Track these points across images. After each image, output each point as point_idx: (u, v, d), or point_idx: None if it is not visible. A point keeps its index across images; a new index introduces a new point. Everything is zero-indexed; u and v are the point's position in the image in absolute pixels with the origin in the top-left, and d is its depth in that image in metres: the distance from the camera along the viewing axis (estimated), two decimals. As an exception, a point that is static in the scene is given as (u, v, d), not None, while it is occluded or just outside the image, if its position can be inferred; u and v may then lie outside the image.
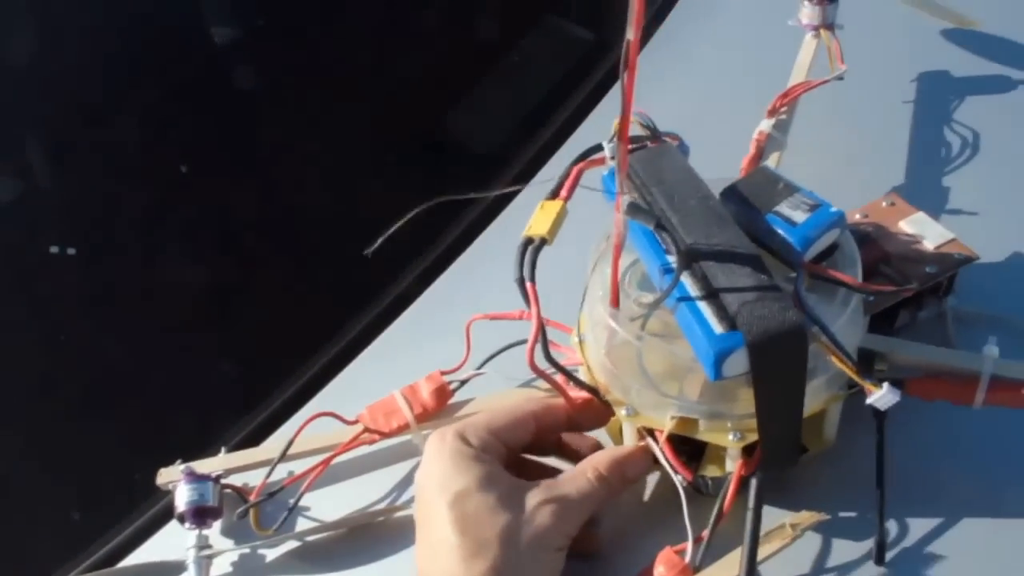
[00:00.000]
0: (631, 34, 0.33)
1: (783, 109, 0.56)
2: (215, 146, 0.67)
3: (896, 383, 0.41)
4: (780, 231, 0.42)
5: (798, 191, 0.43)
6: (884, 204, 0.52)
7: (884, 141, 0.62)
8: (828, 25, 0.62)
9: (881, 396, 0.38)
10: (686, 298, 0.39)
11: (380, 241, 0.44)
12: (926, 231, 0.50)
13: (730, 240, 0.40)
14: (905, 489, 0.44)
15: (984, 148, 0.60)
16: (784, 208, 0.43)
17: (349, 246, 0.46)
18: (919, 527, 0.43)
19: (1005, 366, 0.42)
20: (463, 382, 0.52)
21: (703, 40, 0.75)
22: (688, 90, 0.69)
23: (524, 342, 0.42)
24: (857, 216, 0.51)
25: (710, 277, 0.38)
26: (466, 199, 0.51)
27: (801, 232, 0.41)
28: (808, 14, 0.62)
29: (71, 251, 0.61)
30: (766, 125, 0.54)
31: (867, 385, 0.39)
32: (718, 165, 0.48)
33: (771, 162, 0.54)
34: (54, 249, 0.61)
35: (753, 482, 0.41)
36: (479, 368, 0.52)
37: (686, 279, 0.39)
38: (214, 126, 0.68)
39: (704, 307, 0.38)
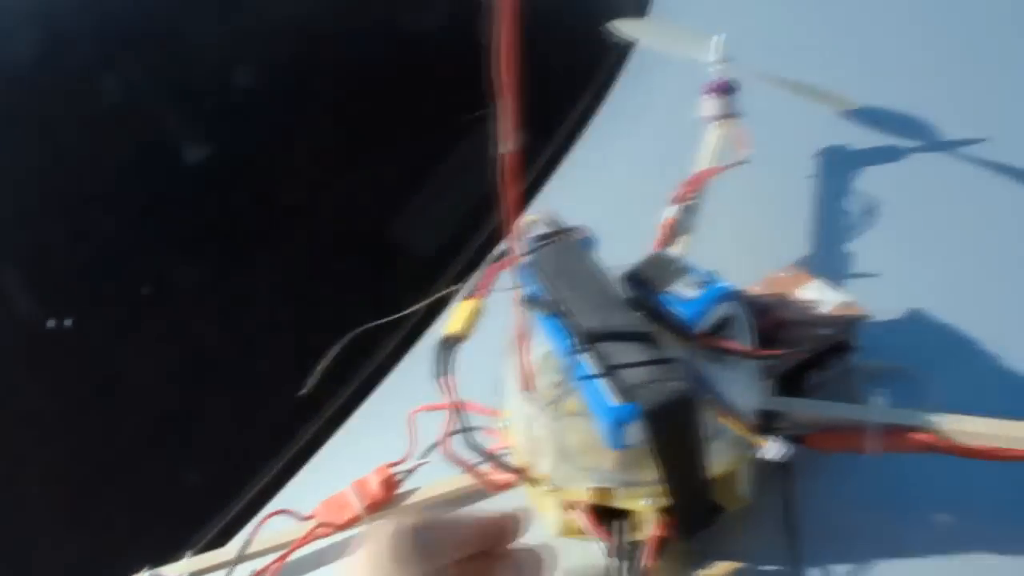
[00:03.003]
0: (505, 147, 0.37)
1: (690, 195, 0.61)
2: (177, 266, 0.72)
3: (797, 439, 0.45)
4: (674, 308, 0.46)
5: (691, 271, 0.48)
6: (784, 275, 0.56)
7: (787, 218, 0.67)
8: (730, 115, 0.67)
9: (770, 449, 0.42)
10: (586, 377, 0.43)
11: (312, 382, 0.49)
12: (823, 296, 0.54)
13: (625, 322, 0.44)
14: (820, 538, 0.47)
15: (878, 215, 0.65)
16: (678, 287, 0.47)
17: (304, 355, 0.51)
18: (835, 572, 0.46)
19: (894, 414, 0.46)
20: (409, 472, 0.55)
21: (624, 139, 0.80)
22: (608, 185, 0.74)
23: (465, 430, 0.46)
24: (758, 288, 0.55)
25: (607, 356, 0.43)
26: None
27: (692, 307, 0.46)
28: (710, 107, 0.68)
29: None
30: (671, 211, 0.59)
31: (757, 440, 0.42)
32: (632, 252, 0.52)
33: (680, 244, 0.59)
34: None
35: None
36: (422, 457, 0.55)
37: (587, 360, 0.43)
38: (176, 247, 0.72)
39: (603, 384, 0.42)
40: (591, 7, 0.93)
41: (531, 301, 0.44)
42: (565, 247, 0.50)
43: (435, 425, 0.55)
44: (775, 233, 0.65)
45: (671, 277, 0.48)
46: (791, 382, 0.52)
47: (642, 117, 0.82)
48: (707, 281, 0.47)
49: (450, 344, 0.47)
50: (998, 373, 0.53)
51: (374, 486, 0.54)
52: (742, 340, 0.47)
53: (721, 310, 0.47)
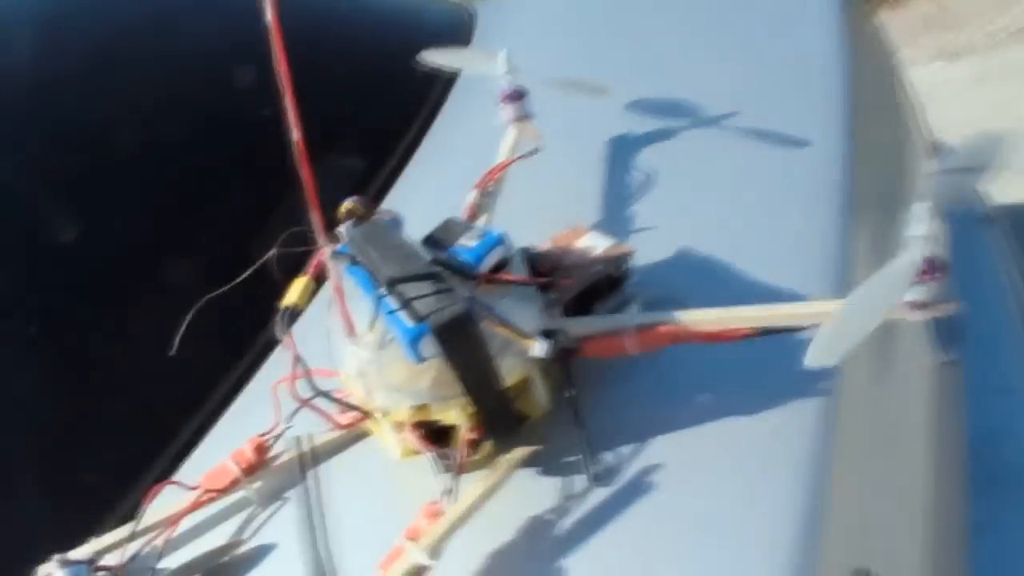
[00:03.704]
0: (294, 136, 0.49)
1: (488, 182, 0.74)
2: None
3: (576, 351, 0.57)
4: (460, 256, 0.58)
5: (472, 228, 0.60)
6: (566, 232, 0.69)
7: (573, 189, 0.80)
8: (522, 116, 0.81)
9: (536, 348, 0.54)
10: (390, 312, 0.54)
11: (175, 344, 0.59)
12: (596, 243, 0.67)
13: (419, 268, 0.56)
14: (606, 428, 0.58)
15: (642, 180, 0.79)
16: (463, 240, 0.59)
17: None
18: (622, 453, 0.57)
19: (643, 317, 0.59)
20: (277, 436, 0.65)
21: (453, 149, 0.93)
22: (444, 188, 0.86)
23: (320, 395, 0.56)
24: (548, 243, 0.68)
25: (404, 294, 0.54)
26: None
27: (474, 253, 0.58)
28: (505, 112, 0.81)
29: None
30: (472, 196, 0.72)
31: (527, 341, 0.54)
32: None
33: (482, 220, 0.71)
34: None
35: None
36: (286, 423, 0.65)
37: (390, 300, 0.54)
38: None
39: (402, 314, 0.53)
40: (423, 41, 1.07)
41: (334, 255, 0.55)
42: (375, 225, 0.61)
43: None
44: (564, 202, 0.78)
45: (458, 234, 0.60)
46: (578, 311, 0.64)
47: (467, 130, 0.95)
48: (484, 233, 0.59)
49: (286, 313, 0.58)
50: (731, 286, 0.66)
51: (248, 453, 0.64)
52: (516, 273, 0.59)
53: (497, 253, 0.58)
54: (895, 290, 0.50)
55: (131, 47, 0.97)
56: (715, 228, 0.73)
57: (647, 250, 0.69)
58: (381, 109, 1.00)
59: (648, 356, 0.59)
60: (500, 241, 0.59)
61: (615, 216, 0.77)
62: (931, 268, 0.51)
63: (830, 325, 0.50)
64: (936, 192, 0.53)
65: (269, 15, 0.47)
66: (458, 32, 1.17)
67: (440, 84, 1.02)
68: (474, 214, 0.71)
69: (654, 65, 0.97)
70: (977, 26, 2.99)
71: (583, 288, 0.63)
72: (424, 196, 0.86)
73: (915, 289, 0.51)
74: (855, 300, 0.50)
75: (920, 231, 0.51)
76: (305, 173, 0.50)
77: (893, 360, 0.75)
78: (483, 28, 1.20)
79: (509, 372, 0.56)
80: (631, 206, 0.77)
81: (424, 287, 0.54)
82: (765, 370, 0.60)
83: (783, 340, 0.57)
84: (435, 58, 0.87)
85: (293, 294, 0.59)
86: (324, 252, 0.61)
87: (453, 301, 0.53)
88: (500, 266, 0.59)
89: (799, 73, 0.89)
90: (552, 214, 0.75)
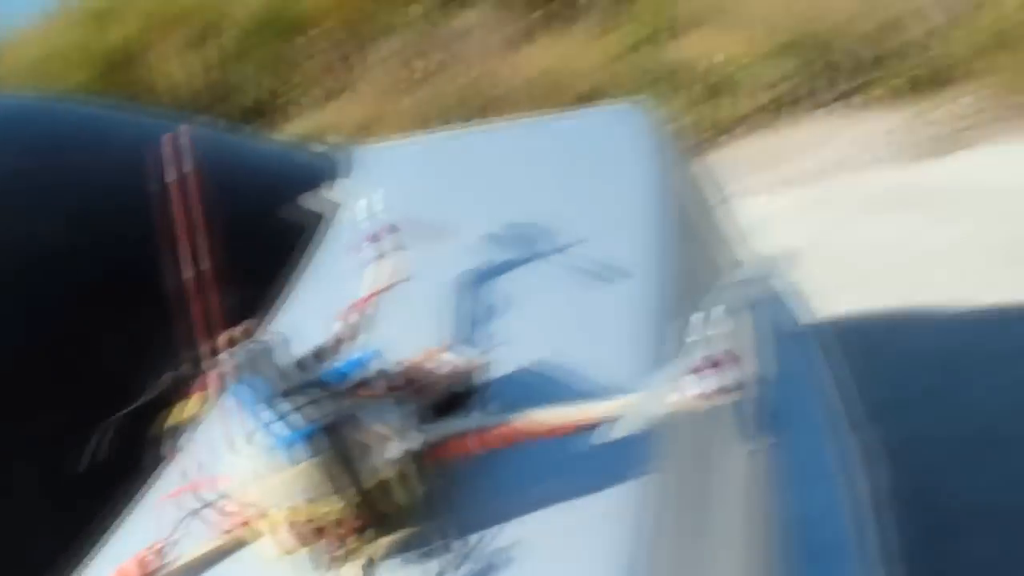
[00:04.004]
0: (187, 273, 0.58)
1: (353, 313, 0.84)
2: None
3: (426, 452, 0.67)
4: (332, 373, 0.68)
5: (342, 349, 0.70)
6: (428, 350, 0.79)
7: (436, 315, 0.92)
8: (388, 252, 0.92)
9: (395, 449, 0.63)
10: (269, 423, 0.63)
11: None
12: (451, 359, 0.78)
13: (295, 384, 0.65)
14: (464, 516, 0.68)
15: (498, 304, 0.92)
16: (334, 360, 0.69)
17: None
18: (474, 539, 0.67)
19: (485, 418, 0.69)
20: (162, 550, 0.71)
21: (328, 281, 1.04)
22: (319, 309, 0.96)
23: (205, 505, 0.64)
24: (411, 361, 0.78)
25: (282, 407, 0.63)
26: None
27: (342, 370, 0.68)
28: (372, 249, 0.92)
29: None
30: (345, 321, 0.82)
31: (388, 444, 0.64)
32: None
33: (354, 343, 0.81)
34: None
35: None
36: (173, 534, 0.72)
37: (270, 413, 0.63)
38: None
39: (280, 424, 0.62)
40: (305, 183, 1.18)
41: (225, 375, 0.64)
42: (258, 348, 0.70)
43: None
44: (427, 325, 0.89)
45: (330, 355, 0.70)
46: (439, 418, 0.74)
47: (345, 263, 1.05)
48: (353, 354, 0.69)
49: (174, 430, 0.65)
50: (566, 389, 0.78)
51: (133, 569, 0.70)
52: (378, 388, 0.69)
53: (361, 371, 0.68)
54: (675, 383, 0.63)
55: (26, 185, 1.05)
56: (554, 340, 0.85)
57: (500, 362, 0.80)
58: (269, 246, 1.10)
59: (500, 452, 0.69)
60: (364, 361, 0.69)
61: (471, 335, 0.88)
62: (714, 363, 0.64)
63: (629, 415, 0.62)
64: (725, 300, 0.67)
65: (171, 171, 0.58)
66: (336, 174, 1.30)
67: (322, 223, 1.13)
68: (347, 337, 0.81)
69: (502, 202, 1.11)
70: (801, 161, 3.36)
71: (440, 398, 0.74)
72: (306, 323, 0.95)
73: (701, 381, 0.64)
74: (646, 393, 0.63)
75: (702, 333, 0.64)
76: (196, 304, 0.59)
77: (708, 447, 0.87)
78: (358, 170, 1.33)
79: (375, 472, 0.65)
80: (485, 326, 0.89)
81: (299, 400, 0.63)
82: (595, 460, 0.71)
83: (607, 431, 0.68)
84: (312, 202, 0.98)
85: (181, 412, 0.67)
86: (211, 373, 0.69)
87: (324, 411, 0.62)
88: (365, 381, 0.69)
89: (620, 207, 1.05)
90: (416, 336, 0.86)
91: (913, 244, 2.79)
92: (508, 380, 0.80)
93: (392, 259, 0.92)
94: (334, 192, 1.12)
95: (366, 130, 4.25)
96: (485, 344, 0.86)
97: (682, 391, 0.63)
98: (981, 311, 2.45)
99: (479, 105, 3.99)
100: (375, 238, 0.92)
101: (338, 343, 0.81)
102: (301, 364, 0.69)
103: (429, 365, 0.77)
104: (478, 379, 0.77)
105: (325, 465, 0.62)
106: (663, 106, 3.74)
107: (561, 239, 0.99)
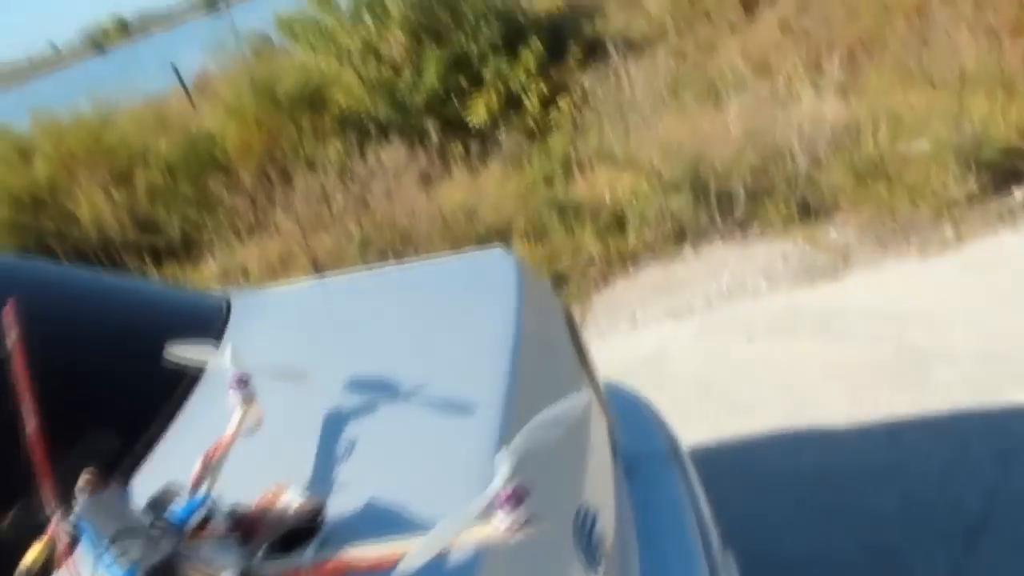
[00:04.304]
0: (30, 428, 0.66)
1: (217, 453, 0.92)
2: None
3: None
4: (173, 515, 0.74)
5: (183, 491, 0.77)
6: (272, 490, 0.87)
7: (286, 458, 0.99)
8: (247, 399, 1.00)
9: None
10: (110, 563, 0.69)
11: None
12: (294, 499, 0.85)
13: (133, 525, 0.72)
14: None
15: (347, 446, 1.00)
16: (177, 502, 0.76)
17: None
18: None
19: (321, 556, 0.76)
20: None
21: (195, 431, 1.10)
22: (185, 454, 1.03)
23: None
24: (255, 501, 0.85)
25: (121, 547, 0.69)
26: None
27: (182, 512, 0.75)
28: (233, 396, 1.00)
29: None
30: (198, 465, 0.89)
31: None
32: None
33: (206, 485, 0.88)
34: None
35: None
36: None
37: (111, 552, 0.70)
38: None
39: (120, 562, 0.69)
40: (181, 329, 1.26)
41: (71, 520, 0.70)
42: (105, 495, 0.77)
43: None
44: (277, 467, 0.97)
45: (173, 498, 0.77)
46: (283, 554, 0.80)
47: (213, 410, 1.13)
48: (194, 496, 0.76)
49: (25, 574, 0.71)
50: (404, 524, 0.86)
51: None
52: (216, 528, 0.76)
53: (201, 512, 0.75)
54: (477, 517, 0.72)
55: None
56: (390, 479, 0.93)
57: (339, 501, 0.88)
58: (137, 394, 1.17)
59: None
60: (204, 503, 0.76)
61: (315, 476, 0.95)
62: (510, 498, 0.73)
63: (431, 548, 0.70)
64: (530, 436, 0.76)
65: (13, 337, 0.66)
66: (214, 320, 1.38)
67: (191, 371, 1.20)
68: (199, 480, 0.88)
69: (365, 347, 1.21)
70: (700, 287, 3.55)
71: (280, 536, 0.81)
72: (167, 468, 1.02)
73: (504, 515, 0.73)
74: (447, 527, 0.72)
75: (502, 471, 0.73)
76: (40, 457, 0.66)
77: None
78: (237, 316, 1.41)
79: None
80: (329, 467, 0.97)
81: (136, 540, 0.70)
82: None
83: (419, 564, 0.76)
84: (179, 352, 1.06)
85: (31, 555, 0.73)
86: (57, 521, 0.76)
87: (158, 550, 0.69)
88: (204, 522, 0.76)
89: (474, 348, 1.16)
90: (265, 478, 0.93)
91: (803, 366, 2.95)
92: (345, 518, 0.88)
93: (248, 407, 1.00)
94: (207, 340, 1.21)
95: (283, 264, 4.35)
96: (327, 485, 0.94)
97: (489, 523, 0.72)
98: (867, 428, 2.60)
99: (395, 239, 4.14)
100: (237, 386, 1.00)
101: (192, 487, 0.88)
102: (150, 505, 0.76)
103: (270, 506, 0.85)
104: (317, 518, 0.84)
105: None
106: (571, 238, 3.95)
107: (414, 382, 1.09)
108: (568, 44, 6.22)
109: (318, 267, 3.93)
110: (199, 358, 1.07)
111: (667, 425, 1.69)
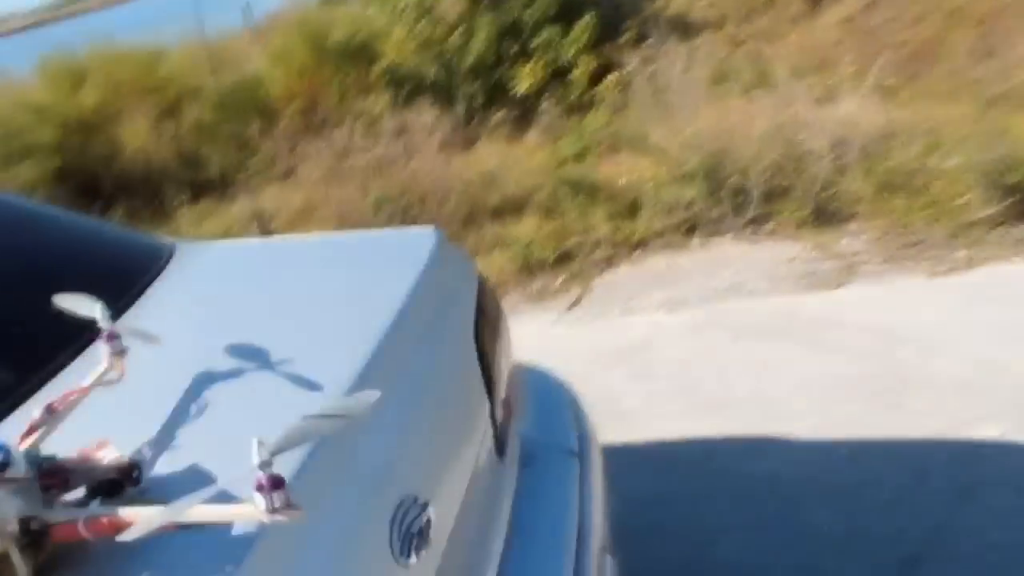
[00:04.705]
0: None
1: (63, 403, 0.97)
2: None
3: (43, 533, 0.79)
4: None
5: (-10, 439, 0.83)
6: (95, 443, 0.92)
7: (131, 415, 1.05)
8: (116, 353, 1.06)
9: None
10: None
11: None
12: (108, 455, 0.90)
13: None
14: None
15: (194, 412, 1.05)
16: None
17: None
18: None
19: (102, 511, 0.82)
20: None
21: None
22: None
23: None
24: (75, 453, 0.91)
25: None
26: None
27: (-21, 458, 0.81)
28: (102, 351, 1.06)
29: None
30: (37, 413, 0.95)
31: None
32: None
33: (39, 434, 0.94)
34: None
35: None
36: None
37: None
38: None
39: None
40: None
41: None
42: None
43: None
44: (118, 423, 1.03)
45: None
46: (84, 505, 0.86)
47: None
48: (-4, 443, 0.82)
49: None
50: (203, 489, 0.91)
51: None
52: (12, 476, 0.82)
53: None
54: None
55: None
56: (220, 448, 0.98)
57: (157, 461, 0.93)
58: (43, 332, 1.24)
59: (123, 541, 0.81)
60: (2, 448, 0.82)
61: (154, 436, 1.01)
62: (271, 484, 0.77)
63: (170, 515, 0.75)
64: (295, 427, 0.80)
65: None
66: (153, 267, 1.45)
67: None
68: (35, 427, 0.94)
69: (256, 314, 1.26)
70: (701, 281, 3.53)
71: (90, 487, 0.86)
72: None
73: (259, 499, 0.77)
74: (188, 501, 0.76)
75: (254, 458, 0.77)
76: None
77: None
78: (171, 268, 1.48)
79: (-10, 547, 0.78)
80: (173, 429, 1.02)
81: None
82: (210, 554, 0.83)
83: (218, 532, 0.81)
84: (65, 303, 1.12)
85: None
86: None
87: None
88: (2, 466, 0.81)
89: (357, 324, 1.20)
90: (102, 432, 0.98)
91: (783, 372, 2.94)
92: (164, 480, 0.93)
93: (112, 362, 1.06)
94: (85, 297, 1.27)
95: (304, 214, 4.45)
96: (159, 446, 0.99)
97: (250, 505, 0.76)
98: (831, 443, 2.58)
99: (412, 200, 4.19)
100: (107, 340, 1.06)
101: (29, 431, 0.94)
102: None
103: (86, 459, 0.90)
104: (132, 474, 0.90)
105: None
106: (584, 217, 3.95)
107: (283, 353, 1.13)
108: (624, 23, 6.15)
109: (264, 228, 4.00)
110: (83, 311, 1.12)
111: (584, 417, 1.71)
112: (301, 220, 4.42)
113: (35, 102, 5.78)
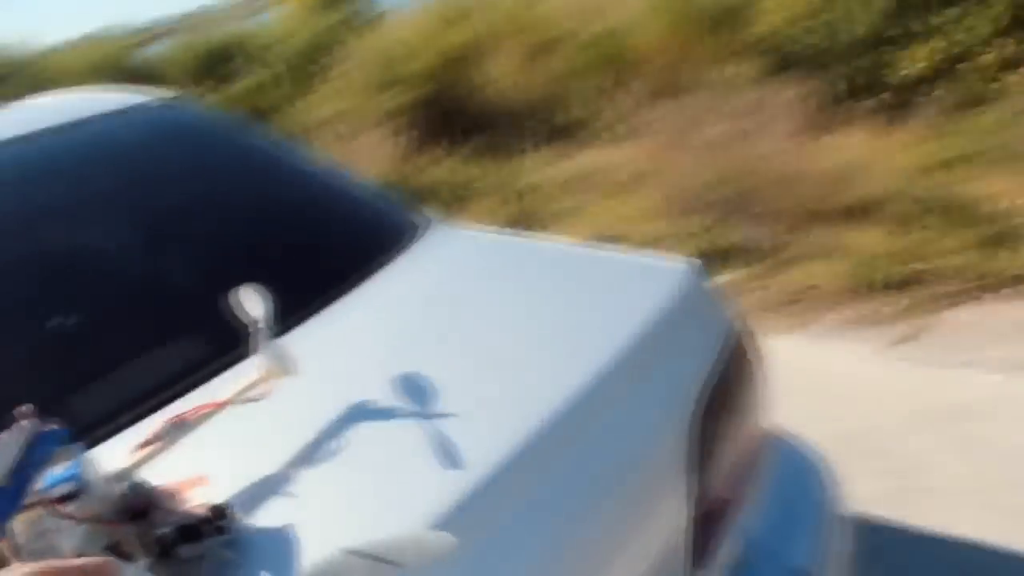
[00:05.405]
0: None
1: (195, 416, 0.91)
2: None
3: None
4: (48, 478, 0.75)
5: (78, 456, 0.77)
6: (189, 479, 0.84)
7: (253, 444, 0.96)
8: (279, 369, 0.97)
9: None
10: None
11: None
12: (197, 495, 0.82)
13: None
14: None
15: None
16: (60, 464, 0.76)
17: None
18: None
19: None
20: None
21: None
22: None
23: None
24: (167, 486, 0.83)
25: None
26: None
27: (51, 479, 0.75)
28: (259, 363, 0.98)
29: None
30: (162, 422, 0.89)
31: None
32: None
33: (153, 449, 0.88)
34: None
35: None
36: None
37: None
38: None
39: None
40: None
41: None
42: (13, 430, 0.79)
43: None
44: (232, 453, 0.94)
45: (64, 458, 0.77)
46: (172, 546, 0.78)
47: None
48: (72, 466, 0.76)
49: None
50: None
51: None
52: (85, 507, 0.75)
53: (68, 486, 0.75)
54: None
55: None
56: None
57: (250, 516, 0.83)
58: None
59: None
60: (74, 477, 0.76)
61: (262, 477, 0.91)
62: None
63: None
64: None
65: None
66: (400, 241, 1.40)
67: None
68: (150, 441, 0.88)
69: (456, 332, 1.15)
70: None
71: (161, 524, 0.78)
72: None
73: None
74: None
75: None
76: None
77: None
78: (421, 246, 1.41)
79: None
80: (294, 472, 0.91)
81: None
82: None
83: None
84: (241, 297, 1.05)
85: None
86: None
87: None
88: (71, 495, 0.75)
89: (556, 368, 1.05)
90: (207, 462, 0.90)
91: None
92: (247, 533, 0.83)
93: (263, 377, 0.97)
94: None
95: (634, 181, 4.26)
96: (258, 488, 0.89)
97: None
98: None
99: (748, 185, 3.83)
100: (270, 352, 0.97)
101: (148, 442, 0.88)
102: (31, 461, 0.78)
103: (177, 493, 0.82)
104: (214, 520, 0.81)
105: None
106: (941, 238, 3.35)
107: (464, 383, 1.00)
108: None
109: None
110: (250, 311, 1.04)
111: (837, 525, 1.38)
112: (629, 187, 4.24)
113: (410, 37, 6.17)
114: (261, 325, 0.99)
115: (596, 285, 1.27)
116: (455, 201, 4.81)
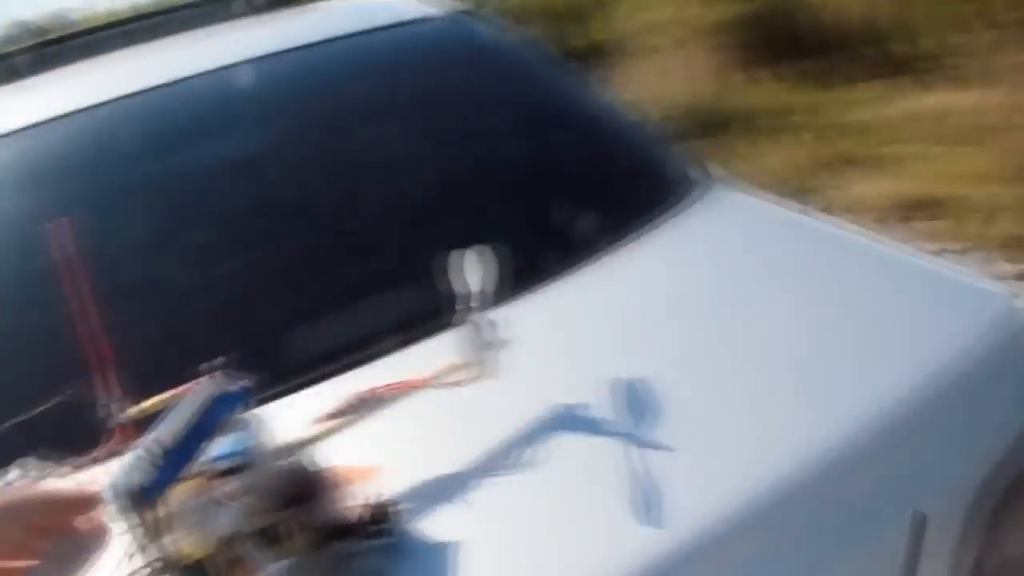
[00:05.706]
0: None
1: (386, 393, 0.85)
2: None
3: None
4: (213, 449, 0.73)
5: (249, 428, 0.74)
6: (359, 467, 0.78)
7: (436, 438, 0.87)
8: (483, 350, 0.88)
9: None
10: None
11: None
12: (358, 491, 0.76)
13: (150, 440, 0.71)
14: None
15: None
16: (231, 436, 0.73)
17: None
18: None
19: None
20: None
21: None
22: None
23: None
24: (334, 474, 0.78)
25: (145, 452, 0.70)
26: None
27: (218, 451, 0.72)
28: (464, 338, 0.89)
29: None
30: (349, 397, 0.83)
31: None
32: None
33: (329, 426, 0.82)
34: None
35: None
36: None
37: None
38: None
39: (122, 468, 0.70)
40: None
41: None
42: (197, 392, 0.76)
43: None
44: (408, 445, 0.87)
45: (236, 428, 0.74)
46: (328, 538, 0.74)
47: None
48: (243, 440, 0.73)
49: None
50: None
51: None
52: (246, 486, 0.71)
53: (233, 460, 0.72)
54: None
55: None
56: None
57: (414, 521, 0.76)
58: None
59: None
60: (243, 452, 0.72)
61: (446, 472, 0.83)
62: None
63: None
64: None
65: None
66: (672, 202, 1.27)
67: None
68: (332, 416, 0.83)
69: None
70: None
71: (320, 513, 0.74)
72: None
73: None
74: None
75: None
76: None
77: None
78: (695, 210, 1.26)
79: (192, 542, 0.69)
80: (455, 478, 0.83)
81: (144, 457, 0.69)
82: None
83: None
84: (463, 261, 0.94)
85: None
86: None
87: (140, 474, 0.67)
88: (235, 469, 0.72)
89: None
90: (377, 451, 0.83)
91: None
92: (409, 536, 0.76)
93: (469, 360, 0.88)
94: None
95: (975, 133, 3.64)
96: (437, 486, 0.80)
97: None
98: None
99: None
100: (481, 329, 0.88)
101: (331, 416, 0.83)
102: (209, 424, 0.75)
103: (341, 482, 0.77)
104: (374, 520, 0.75)
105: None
106: None
107: (709, 392, 0.88)
108: None
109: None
110: (469, 279, 0.94)
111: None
112: (970, 139, 3.62)
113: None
114: (475, 295, 0.89)
115: (898, 298, 1.03)
116: (767, 131, 4.43)
